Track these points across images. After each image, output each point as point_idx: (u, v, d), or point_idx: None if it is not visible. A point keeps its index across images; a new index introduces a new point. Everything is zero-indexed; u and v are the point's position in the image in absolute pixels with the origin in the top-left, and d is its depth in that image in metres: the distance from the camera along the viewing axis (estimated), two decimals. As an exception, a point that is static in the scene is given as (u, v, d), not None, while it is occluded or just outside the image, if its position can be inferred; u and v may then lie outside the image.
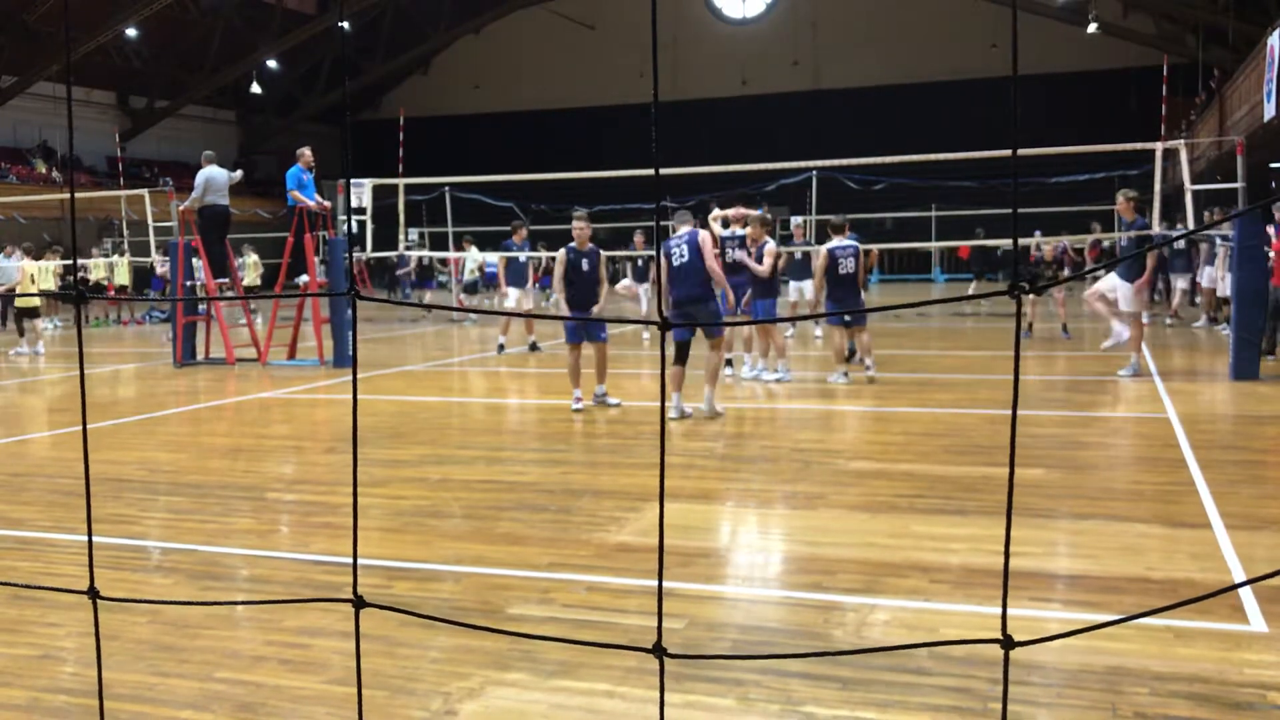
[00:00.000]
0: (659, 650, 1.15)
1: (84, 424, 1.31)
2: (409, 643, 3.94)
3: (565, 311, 9.37)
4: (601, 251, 9.69)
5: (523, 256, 15.85)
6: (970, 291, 21.68)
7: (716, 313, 9.07)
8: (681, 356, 9.13)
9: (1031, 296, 16.41)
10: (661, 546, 1.19)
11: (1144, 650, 3.73)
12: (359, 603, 1.26)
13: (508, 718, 3.36)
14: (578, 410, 9.36)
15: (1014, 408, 1.15)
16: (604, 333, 9.56)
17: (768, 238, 11.20)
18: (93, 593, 1.34)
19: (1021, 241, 18.72)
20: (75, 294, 1.29)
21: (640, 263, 18.38)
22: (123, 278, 23.91)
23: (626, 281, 18.28)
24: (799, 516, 5.87)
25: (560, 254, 9.47)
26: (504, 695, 3.50)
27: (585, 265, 9.40)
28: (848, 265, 11.22)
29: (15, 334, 17.14)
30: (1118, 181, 16.77)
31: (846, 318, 11.33)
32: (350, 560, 5.10)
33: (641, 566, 4.89)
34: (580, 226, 9.42)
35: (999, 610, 4.20)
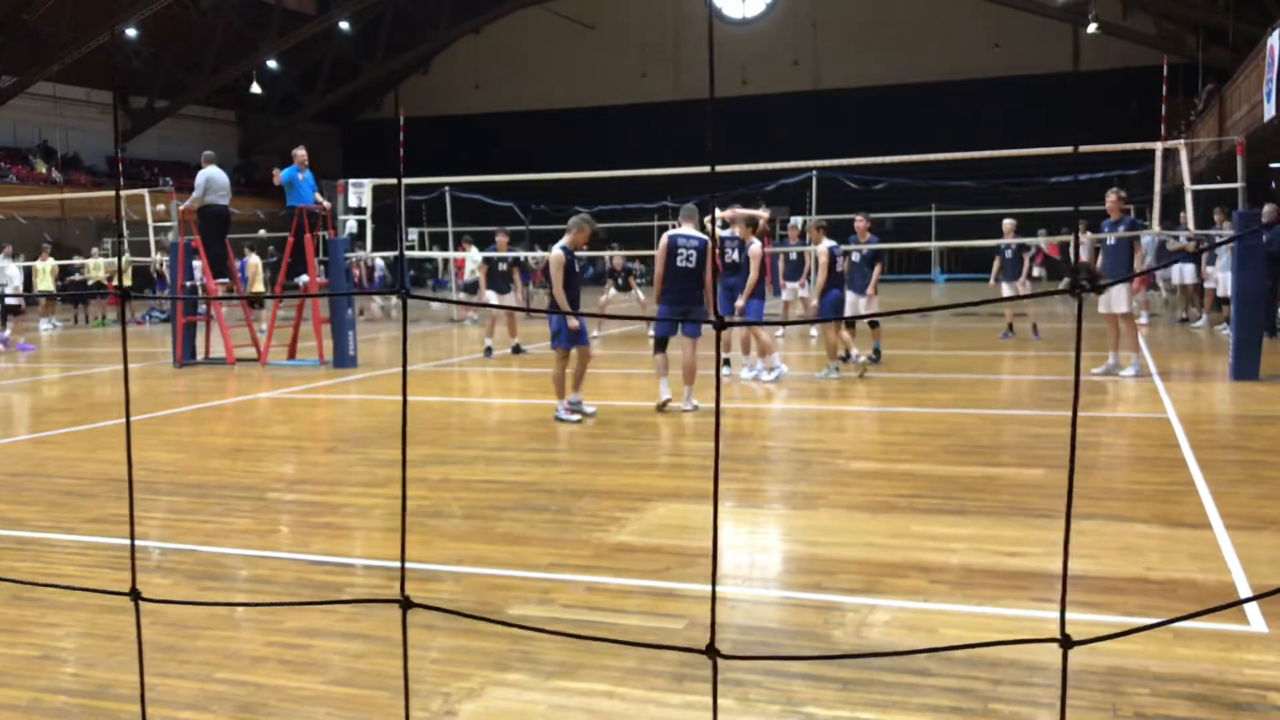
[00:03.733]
0: (712, 651, 1.15)
1: (127, 422, 1.30)
2: (409, 643, 3.94)
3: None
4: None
5: (503, 265, 15.85)
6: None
7: (703, 315, 9.28)
8: (662, 348, 9.46)
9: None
10: (715, 547, 1.19)
11: (1144, 651, 3.73)
12: (406, 603, 1.26)
13: (508, 718, 3.36)
14: (562, 420, 9.05)
15: (1074, 406, 1.15)
16: (587, 336, 9.29)
17: (753, 239, 11.20)
18: (135, 594, 1.33)
19: (1032, 241, 18.73)
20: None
21: (620, 280, 18.51)
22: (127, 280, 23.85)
23: (613, 293, 18.35)
24: (799, 516, 5.87)
25: (558, 253, 9.10)
26: (504, 695, 3.50)
27: (577, 267, 9.25)
28: (841, 263, 11.78)
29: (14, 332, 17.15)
30: (1117, 181, 16.77)
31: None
32: (352, 560, 5.11)
33: (642, 566, 4.89)
34: (586, 228, 9.23)
35: (1000, 611, 4.21)
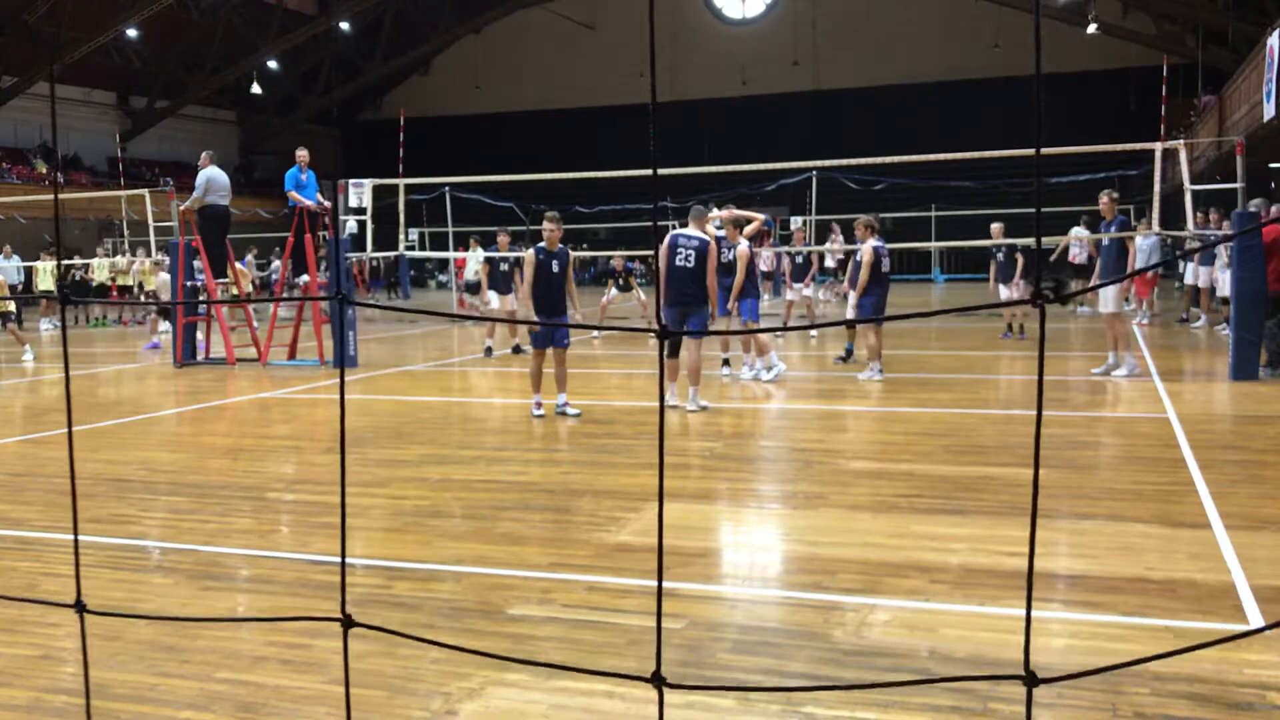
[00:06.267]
0: (658, 680, 1.12)
1: (69, 427, 1.30)
2: (409, 643, 3.94)
3: (532, 315, 9.28)
4: (570, 253, 9.44)
5: (504, 265, 15.76)
6: None
7: (705, 317, 9.33)
8: (673, 351, 9.45)
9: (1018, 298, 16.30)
10: (661, 559, 1.19)
11: (1144, 650, 3.73)
12: (347, 622, 1.24)
13: (508, 718, 3.36)
14: (539, 416, 9.19)
15: (1038, 417, 1.15)
16: (567, 338, 9.37)
17: (741, 239, 11.19)
18: (79, 606, 1.33)
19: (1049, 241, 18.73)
20: (63, 295, 1.29)
21: (621, 280, 18.29)
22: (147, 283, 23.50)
23: (614, 293, 18.14)
24: (799, 516, 5.87)
25: (529, 254, 9.18)
26: (504, 695, 3.50)
27: (555, 267, 9.16)
28: (886, 264, 11.51)
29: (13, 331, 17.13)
30: (1117, 182, 16.79)
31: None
32: (352, 560, 5.10)
33: (641, 566, 4.89)
34: (551, 228, 9.18)
35: (999, 610, 4.21)
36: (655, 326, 1.23)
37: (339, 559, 4.50)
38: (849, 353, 12.93)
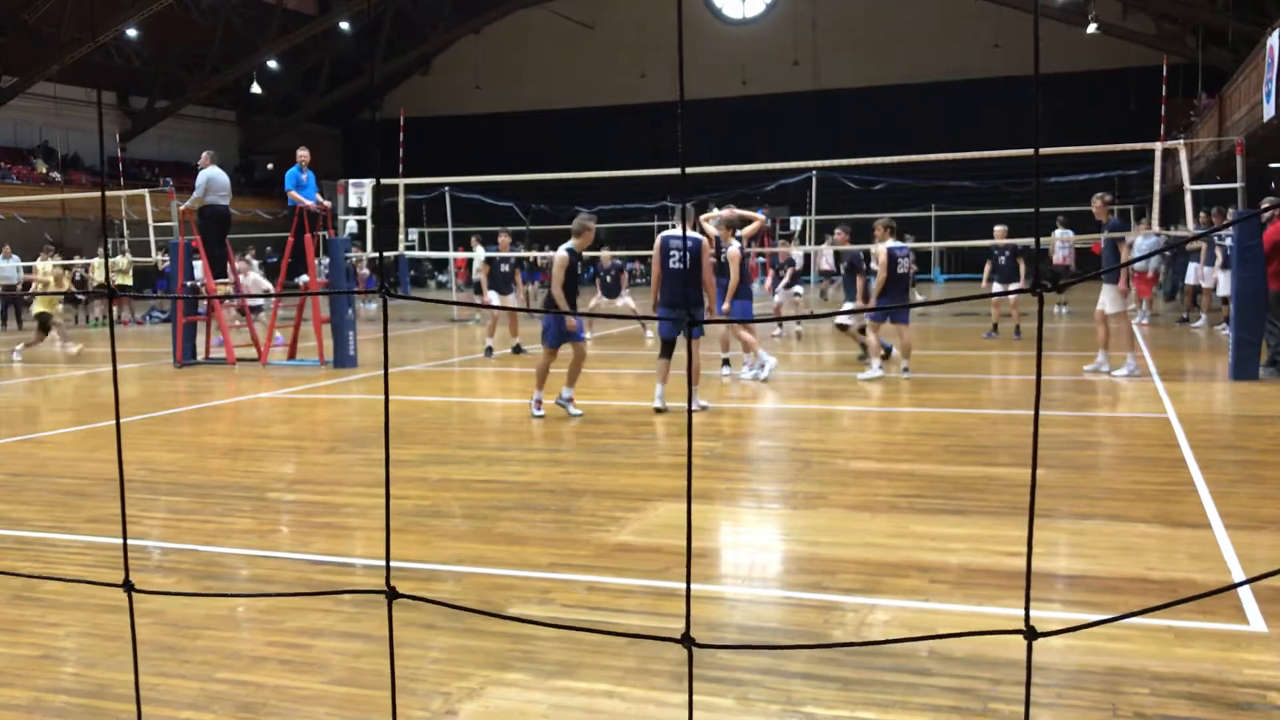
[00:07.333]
0: (687, 640, 1.16)
1: (117, 419, 1.31)
2: (409, 642, 3.94)
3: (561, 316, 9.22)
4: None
5: (505, 266, 15.67)
6: None
7: (701, 318, 9.26)
8: (667, 352, 9.36)
9: (1013, 299, 16.21)
10: (690, 532, 1.19)
11: (1144, 650, 3.74)
12: (392, 594, 1.26)
13: (508, 718, 3.36)
14: (539, 416, 9.14)
15: (1036, 406, 1.15)
16: (584, 333, 9.36)
17: (733, 240, 11.19)
18: (128, 585, 1.34)
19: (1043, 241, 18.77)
20: (108, 291, 1.30)
21: (609, 279, 17.71)
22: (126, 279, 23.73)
23: (601, 297, 17.68)
24: (799, 516, 5.87)
25: (562, 255, 9.04)
26: (504, 695, 3.50)
27: (579, 269, 9.22)
28: (904, 265, 11.47)
29: (14, 332, 17.13)
30: (1117, 182, 16.78)
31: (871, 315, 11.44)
32: (353, 560, 5.11)
33: (642, 566, 4.89)
34: (593, 230, 9.12)
35: (999, 610, 4.21)
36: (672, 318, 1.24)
37: (340, 559, 4.52)
38: (888, 351, 12.84)
